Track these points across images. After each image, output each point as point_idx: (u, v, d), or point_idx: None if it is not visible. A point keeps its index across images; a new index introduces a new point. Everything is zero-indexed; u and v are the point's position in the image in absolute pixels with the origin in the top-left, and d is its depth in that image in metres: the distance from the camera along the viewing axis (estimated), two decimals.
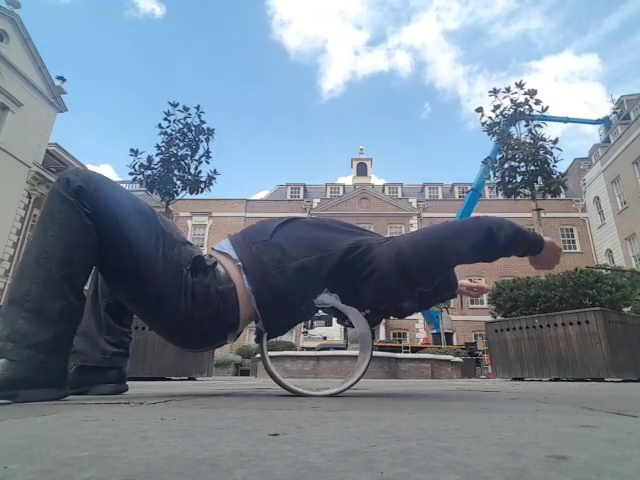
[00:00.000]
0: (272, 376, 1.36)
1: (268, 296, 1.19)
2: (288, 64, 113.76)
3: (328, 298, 1.29)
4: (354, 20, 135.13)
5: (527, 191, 9.70)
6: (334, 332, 15.51)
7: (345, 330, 14.41)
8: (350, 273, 1.22)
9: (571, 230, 24.08)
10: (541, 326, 4.47)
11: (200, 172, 10.51)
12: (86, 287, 1.24)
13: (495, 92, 10.04)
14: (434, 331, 15.89)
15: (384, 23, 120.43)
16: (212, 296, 1.13)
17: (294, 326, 1.47)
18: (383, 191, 27.81)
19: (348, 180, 31.28)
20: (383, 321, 21.56)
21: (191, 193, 10.54)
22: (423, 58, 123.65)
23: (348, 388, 1.40)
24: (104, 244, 1.06)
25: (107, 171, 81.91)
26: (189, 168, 10.38)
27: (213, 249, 1.28)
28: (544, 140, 9.48)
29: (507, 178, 9.77)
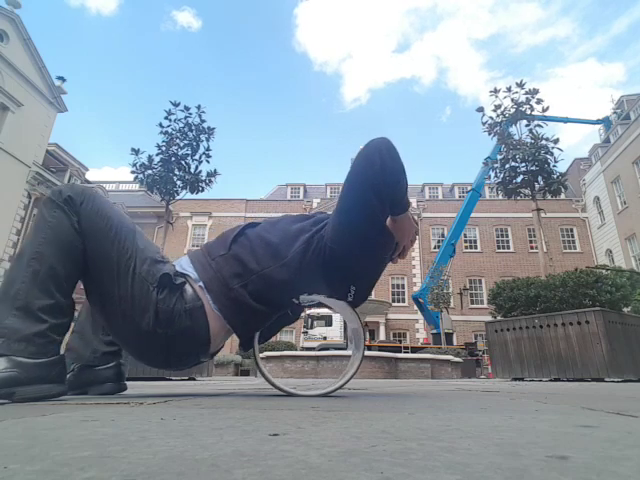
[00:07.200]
0: (264, 376, 1.37)
1: (236, 311, 1.19)
2: (313, 73, 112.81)
3: (310, 297, 1.27)
4: (381, 28, 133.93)
5: (527, 191, 9.70)
6: (334, 332, 15.50)
7: (345, 330, 14.39)
8: (316, 267, 1.19)
9: (571, 230, 24.08)
10: (541, 326, 4.48)
11: (200, 171, 10.54)
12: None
13: (496, 92, 10.03)
14: (434, 331, 15.88)
15: (409, 31, 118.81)
16: (177, 315, 1.13)
17: (281, 328, 1.46)
18: None
19: None
20: (383, 321, 21.62)
21: (191, 192, 10.56)
22: (447, 64, 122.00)
23: (340, 387, 1.40)
24: (85, 252, 1.13)
25: (124, 173, 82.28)
26: (189, 168, 10.40)
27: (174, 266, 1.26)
28: (547, 140, 9.47)
29: (507, 178, 9.77)
